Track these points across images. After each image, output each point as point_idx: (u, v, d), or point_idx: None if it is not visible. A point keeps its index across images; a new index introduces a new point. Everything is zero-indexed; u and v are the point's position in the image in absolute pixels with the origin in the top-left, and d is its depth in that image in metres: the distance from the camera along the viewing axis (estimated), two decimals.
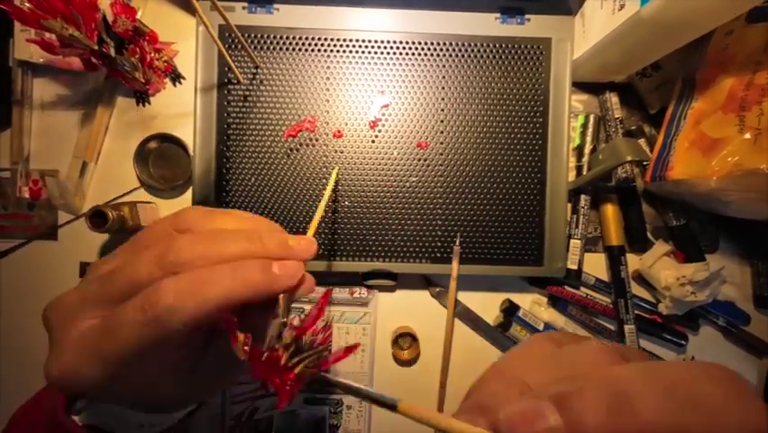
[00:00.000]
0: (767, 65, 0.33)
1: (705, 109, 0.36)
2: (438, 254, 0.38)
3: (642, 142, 0.42)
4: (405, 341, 0.42)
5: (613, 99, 0.42)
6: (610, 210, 0.41)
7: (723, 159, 0.33)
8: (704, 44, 0.38)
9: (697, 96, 0.37)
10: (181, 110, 0.41)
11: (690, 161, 0.36)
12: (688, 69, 0.39)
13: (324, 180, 0.38)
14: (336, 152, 0.38)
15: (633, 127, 0.42)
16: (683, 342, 0.41)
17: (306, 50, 0.38)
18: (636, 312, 0.42)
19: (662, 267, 0.40)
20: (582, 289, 0.42)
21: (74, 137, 0.41)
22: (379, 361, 0.42)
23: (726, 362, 0.42)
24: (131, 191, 0.41)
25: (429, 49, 0.38)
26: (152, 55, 0.40)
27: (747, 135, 0.33)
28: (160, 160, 0.41)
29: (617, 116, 0.42)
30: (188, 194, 0.41)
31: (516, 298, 0.42)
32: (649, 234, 0.42)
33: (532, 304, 0.42)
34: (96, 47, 0.34)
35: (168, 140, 0.41)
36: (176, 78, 0.41)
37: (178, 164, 0.41)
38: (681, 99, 0.39)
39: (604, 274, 0.42)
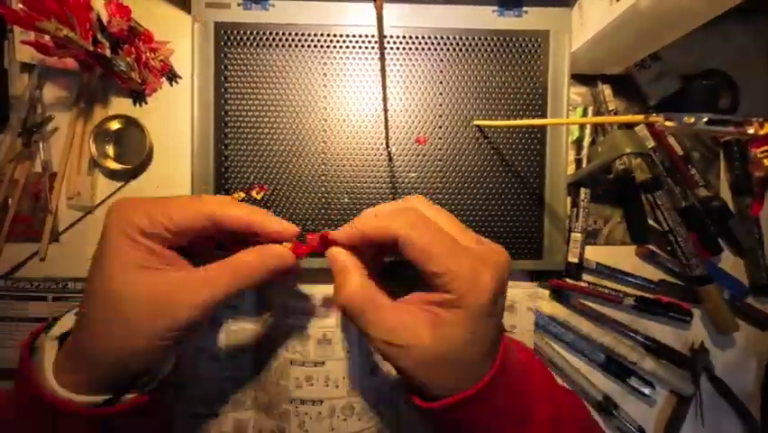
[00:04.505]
0: None
1: None
2: None
3: (640, 128, 0.42)
4: None
5: (606, 91, 0.42)
6: None
7: None
8: None
9: None
10: (178, 109, 0.41)
11: None
12: None
13: (323, 178, 0.38)
14: (335, 148, 0.38)
15: (630, 114, 0.42)
16: (688, 318, 0.42)
17: (303, 45, 0.37)
18: (639, 294, 0.42)
19: None
20: (586, 276, 0.42)
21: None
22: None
23: (731, 336, 0.43)
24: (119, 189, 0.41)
25: (427, 43, 0.38)
26: (148, 54, 0.39)
27: None
28: (117, 141, 0.41)
29: (610, 108, 0.41)
30: (144, 177, 0.41)
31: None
32: (651, 222, 0.42)
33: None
34: (91, 47, 0.34)
35: (129, 123, 0.40)
36: (172, 77, 0.41)
37: (132, 146, 0.40)
38: None
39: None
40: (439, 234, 0.25)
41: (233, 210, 0.26)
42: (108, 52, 0.36)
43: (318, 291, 0.39)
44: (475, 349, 0.25)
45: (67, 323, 0.27)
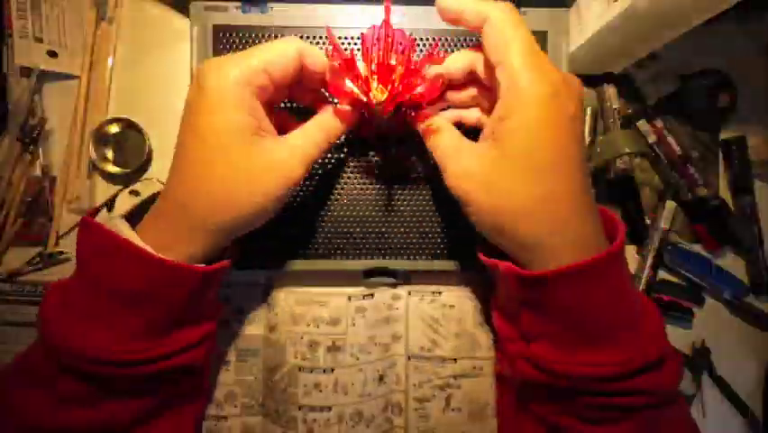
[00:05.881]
0: None
1: None
2: (439, 250, 0.38)
3: (641, 123, 0.42)
4: None
5: (610, 90, 0.42)
6: None
7: None
8: None
9: None
10: (178, 111, 0.41)
11: None
12: None
13: (322, 180, 0.38)
14: (336, 149, 0.38)
15: (629, 110, 0.42)
16: (689, 317, 0.42)
17: None
18: None
19: None
20: None
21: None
22: None
23: (732, 335, 0.43)
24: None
25: (425, 44, 0.38)
26: None
27: None
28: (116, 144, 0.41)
29: (614, 107, 0.42)
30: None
31: None
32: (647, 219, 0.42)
33: None
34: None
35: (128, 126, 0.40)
36: None
37: (131, 149, 0.41)
38: None
39: None
40: (527, 36, 0.24)
41: (315, 49, 0.26)
42: None
43: (327, 298, 0.39)
44: (555, 191, 0.23)
45: (123, 204, 0.29)
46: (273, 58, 0.24)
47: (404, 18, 0.38)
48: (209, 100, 0.23)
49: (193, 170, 0.24)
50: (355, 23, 0.38)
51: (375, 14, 0.38)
